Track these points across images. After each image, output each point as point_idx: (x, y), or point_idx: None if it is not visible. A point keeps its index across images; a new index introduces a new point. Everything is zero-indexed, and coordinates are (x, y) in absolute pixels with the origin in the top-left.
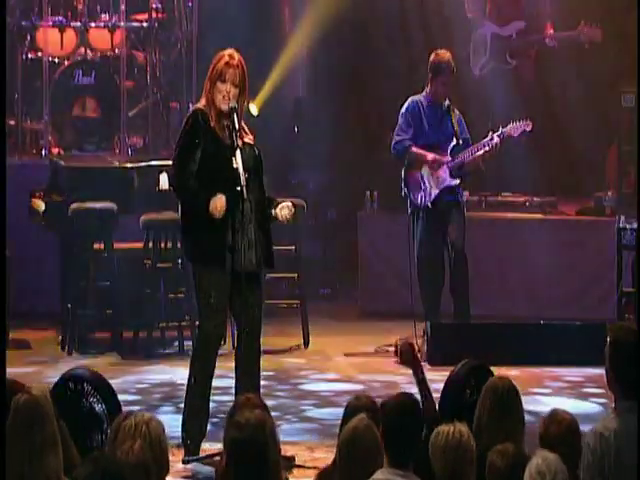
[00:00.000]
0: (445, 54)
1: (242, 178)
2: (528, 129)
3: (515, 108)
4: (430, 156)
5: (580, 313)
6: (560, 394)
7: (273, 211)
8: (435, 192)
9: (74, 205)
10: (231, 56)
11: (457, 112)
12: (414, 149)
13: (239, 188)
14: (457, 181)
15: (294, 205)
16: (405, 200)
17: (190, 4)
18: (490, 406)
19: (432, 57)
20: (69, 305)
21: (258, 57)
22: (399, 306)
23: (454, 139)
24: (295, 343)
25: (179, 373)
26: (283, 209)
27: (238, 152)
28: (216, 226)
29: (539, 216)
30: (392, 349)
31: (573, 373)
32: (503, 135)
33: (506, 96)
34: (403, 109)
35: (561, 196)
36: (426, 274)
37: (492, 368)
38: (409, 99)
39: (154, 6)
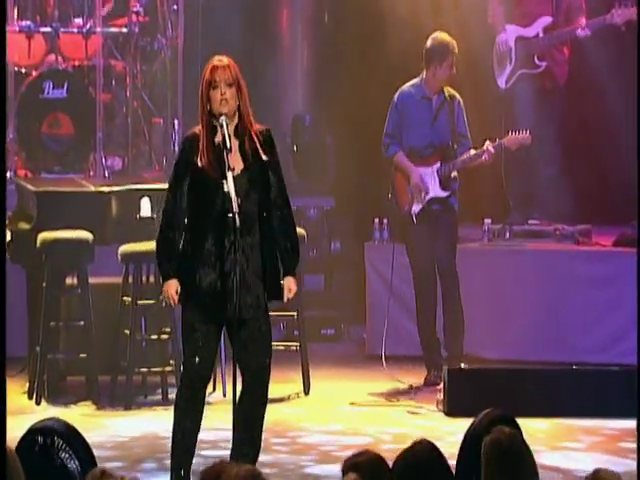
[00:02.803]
0: (441, 36)
1: (234, 204)
2: (527, 143)
3: (544, 124)
4: (413, 179)
5: (618, 357)
6: (594, 449)
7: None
8: (422, 204)
9: (43, 234)
10: (219, 59)
11: (457, 100)
12: (399, 159)
13: (230, 215)
14: (446, 193)
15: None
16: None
17: (175, 7)
18: (496, 466)
19: (427, 41)
20: (37, 348)
21: (253, 66)
22: (413, 348)
23: (449, 140)
24: (294, 390)
25: (163, 424)
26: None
27: (229, 174)
28: (202, 264)
29: (571, 247)
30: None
31: (609, 425)
32: (500, 147)
33: (535, 111)
34: (392, 101)
35: (596, 224)
36: (419, 295)
37: (517, 419)
38: (399, 90)
39: (134, 9)
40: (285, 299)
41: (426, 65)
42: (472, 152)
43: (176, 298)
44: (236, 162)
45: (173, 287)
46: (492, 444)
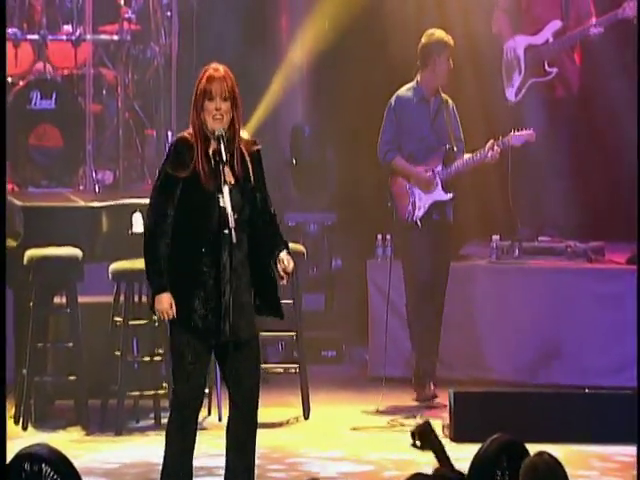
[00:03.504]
0: (435, 32)
1: (231, 219)
2: (532, 139)
3: (555, 134)
4: (418, 175)
5: (632, 380)
6: (608, 477)
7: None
8: (425, 207)
9: (31, 251)
10: (215, 69)
11: (451, 105)
12: (398, 162)
13: (227, 231)
14: (450, 195)
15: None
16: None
17: (169, 14)
18: None
19: (422, 38)
20: (24, 371)
21: (250, 75)
22: None
23: (448, 142)
24: (293, 415)
25: (155, 451)
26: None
27: (226, 188)
28: (195, 284)
29: (583, 264)
30: (409, 422)
31: (624, 452)
32: (504, 145)
33: (546, 121)
34: (388, 106)
35: (609, 241)
36: (413, 307)
37: (527, 445)
38: (395, 95)
39: (126, 16)
40: (285, 276)
41: (423, 63)
42: (473, 154)
43: (171, 312)
44: (228, 176)
45: (167, 301)
46: (530, 468)
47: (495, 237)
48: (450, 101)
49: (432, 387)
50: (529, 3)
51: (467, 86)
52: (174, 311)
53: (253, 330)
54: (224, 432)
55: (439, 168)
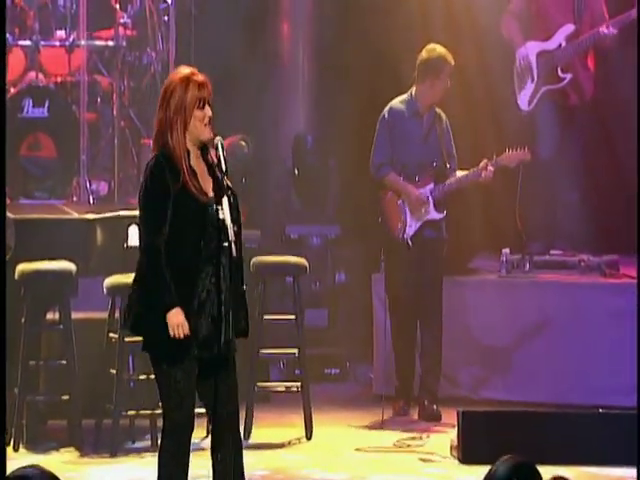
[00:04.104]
0: (437, 48)
1: (230, 232)
2: (527, 159)
3: (567, 144)
4: (412, 194)
5: None
6: None
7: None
8: (416, 225)
9: (22, 266)
10: (193, 73)
11: (444, 120)
12: (392, 178)
13: (226, 244)
14: (441, 215)
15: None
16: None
17: (166, 18)
18: None
19: (422, 53)
20: (16, 390)
21: (250, 82)
22: None
23: (440, 159)
24: (295, 435)
25: (152, 472)
26: None
27: (225, 200)
28: (194, 306)
29: (597, 279)
30: (416, 442)
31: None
32: (497, 165)
33: (558, 131)
34: (381, 118)
35: (624, 254)
36: (396, 323)
37: (539, 467)
38: (388, 106)
39: (122, 21)
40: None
41: (421, 78)
42: (466, 172)
43: (187, 326)
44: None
45: (181, 315)
46: None
47: (505, 250)
48: (444, 116)
49: (434, 408)
50: (540, 7)
51: (477, 94)
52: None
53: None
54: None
55: (431, 186)
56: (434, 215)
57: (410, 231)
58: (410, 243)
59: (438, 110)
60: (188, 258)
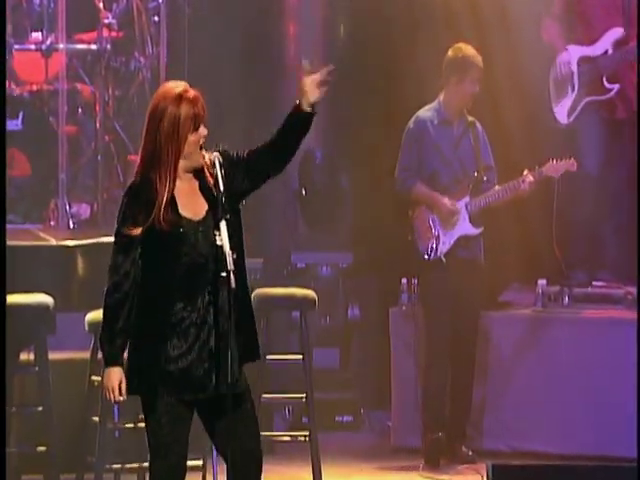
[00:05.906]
0: (463, 48)
1: (229, 259)
2: (573, 169)
3: (612, 163)
4: (444, 204)
5: None
6: None
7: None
8: (450, 242)
9: None
10: (185, 90)
11: (479, 128)
12: (419, 190)
13: (224, 274)
14: (478, 231)
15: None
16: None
17: (156, 19)
18: None
19: (448, 52)
20: None
21: (251, 91)
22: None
23: (474, 170)
24: None
25: None
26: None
27: (223, 223)
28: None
29: None
30: None
31: None
32: (540, 176)
33: (602, 148)
34: (407, 129)
35: None
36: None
37: None
38: (415, 115)
39: (106, 21)
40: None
41: (447, 80)
42: (506, 184)
43: (118, 394)
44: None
45: (117, 377)
46: None
47: (541, 281)
48: (478, 124)
49: (466, 451)
50: (584, 8)
51: (508, 106)
52: (123, 392)
53: (245, 380)
54: None
55: (466, 200)
56: (469, 230)
57: (444, 248)
58: (444, 260)
59: (470, 118)
60: (165, 291)
